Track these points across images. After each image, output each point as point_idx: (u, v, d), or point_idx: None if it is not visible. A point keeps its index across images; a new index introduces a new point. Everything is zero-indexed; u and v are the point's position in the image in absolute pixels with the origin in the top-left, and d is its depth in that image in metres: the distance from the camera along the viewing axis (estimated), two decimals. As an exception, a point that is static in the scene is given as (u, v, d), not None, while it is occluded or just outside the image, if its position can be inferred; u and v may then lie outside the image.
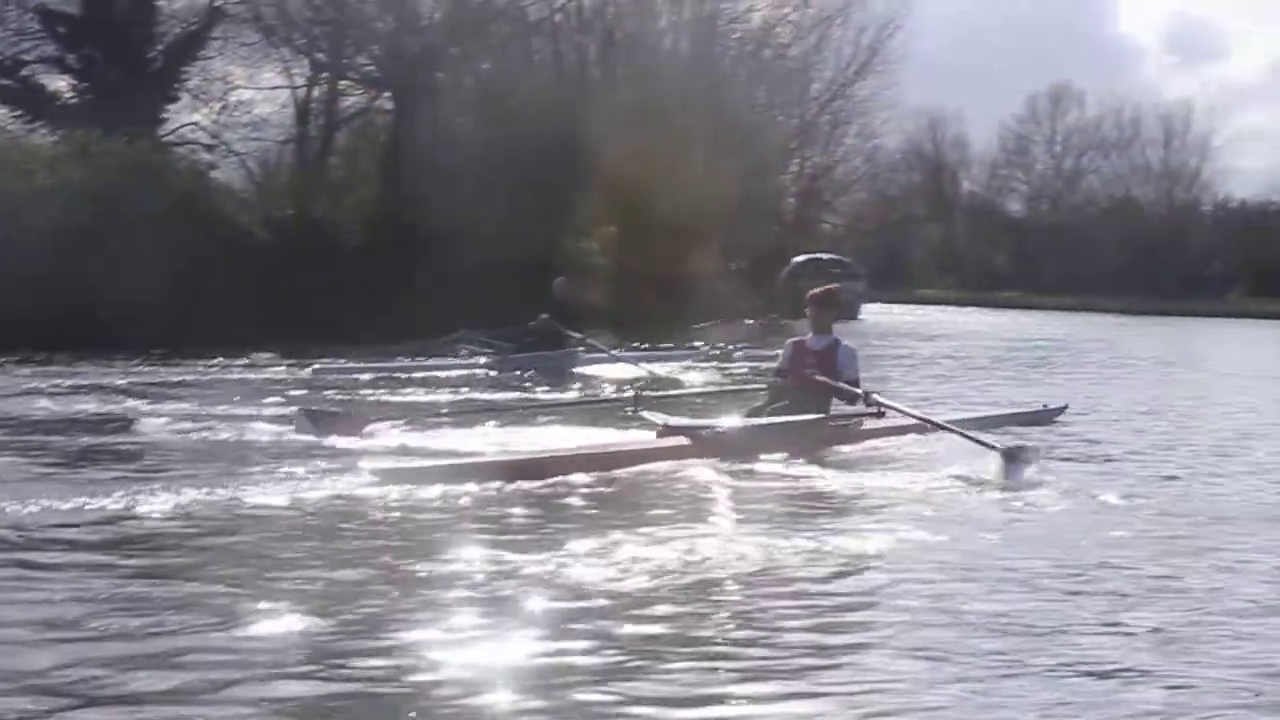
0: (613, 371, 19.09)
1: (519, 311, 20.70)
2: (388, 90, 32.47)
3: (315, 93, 33.77)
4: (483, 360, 19.58)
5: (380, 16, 31.80)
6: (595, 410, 13.41)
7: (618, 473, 9.59)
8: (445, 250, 28.80)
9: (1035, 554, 7.39)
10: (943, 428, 11.23)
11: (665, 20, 41.02)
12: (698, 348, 23.60)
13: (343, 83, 33.77)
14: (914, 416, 11.60)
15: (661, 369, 19.42)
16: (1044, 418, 13.74)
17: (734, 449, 10.43)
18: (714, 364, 21.66)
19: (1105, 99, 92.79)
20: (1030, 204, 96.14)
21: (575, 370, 19.48)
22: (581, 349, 20.14)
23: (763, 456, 10.39)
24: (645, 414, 11.33)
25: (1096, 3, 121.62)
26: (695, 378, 18.69)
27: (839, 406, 11.50)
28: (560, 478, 9.20)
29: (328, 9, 31.42)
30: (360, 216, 30.76)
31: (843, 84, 56.15)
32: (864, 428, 11.66)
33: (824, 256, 53.29)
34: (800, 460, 10.38)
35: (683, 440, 10.51)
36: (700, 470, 9.81)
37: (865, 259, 61.62)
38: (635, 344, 23.21)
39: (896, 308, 63.16)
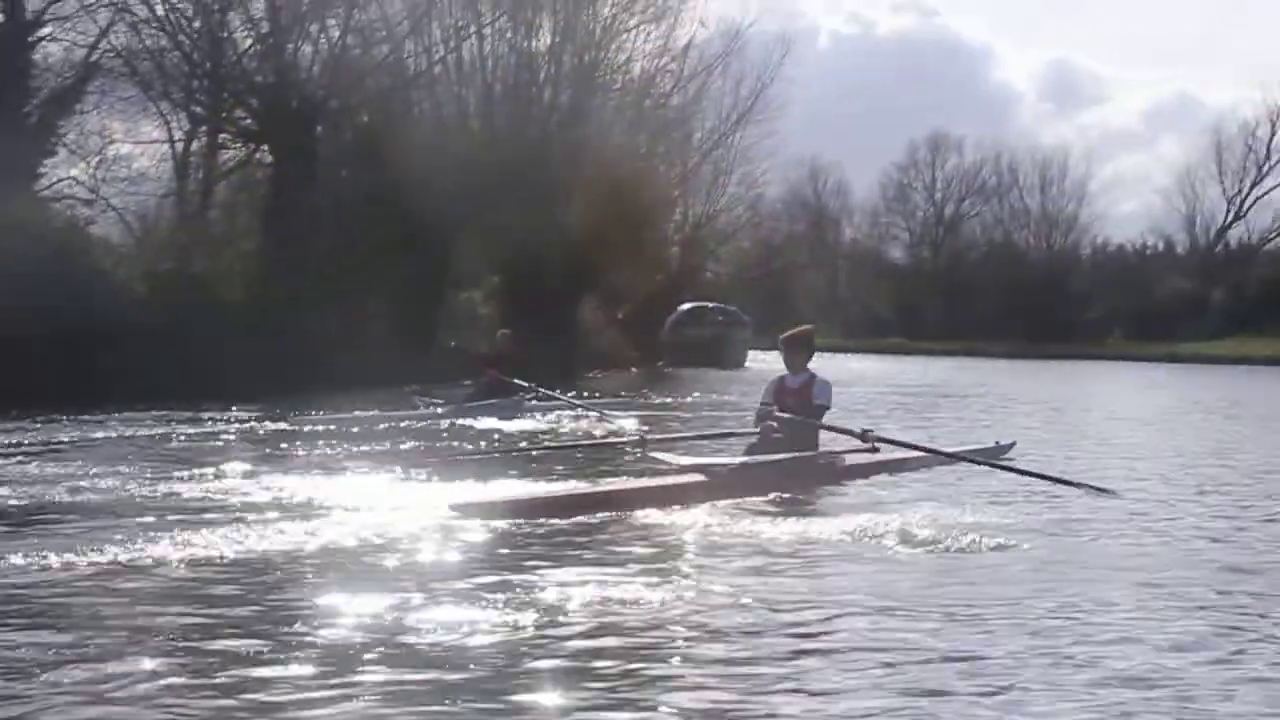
0: (567, 417, 20.10)
1: (403, 362, 20.80)
2: (267, 143, 32.36)
3: (194, 146, 33.63)
4: (440, 409, 20.03)
5: (259, 70, 31.80)
6: (600, 451, 14.45)
7: (650, 510, 10.23)
8: (327, 303, 28.81)
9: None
10: (955, 458, 12.63)
11: (544, 73, 41.22)
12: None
13: (222, 136, 33.67)
14: (920, 449, 12.76)
15: (616, 414, 20.40)
16: (996, 453, 14.10)
17: (744, 485, 11.08)
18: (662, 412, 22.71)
19: (983, 146, 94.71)
20: (911, 250, 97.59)
21: (526, 416, 20.24)
22: (533, 398, 21.34)
23: (771, 492, 11.05)
24: (656, 454, 12.03)
25: (974, 52, 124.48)
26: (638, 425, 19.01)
27: (834, 440, 12.19)
28: (616, 512, 10.05)
29: (205, 62, 31.36)
30: (241, 270, 30.61)
31: (723, 133, 56.88)
32: (856, 462, 12.34)
33: (709, 305, 53.70)
34: (800, 494, 11.22)
35: (699, 477, 11.10)
36: (714, 507, 10.47)
37: (749, 307, 62.05)
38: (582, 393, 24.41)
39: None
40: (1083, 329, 78.64)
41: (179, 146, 33.28)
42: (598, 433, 17.36)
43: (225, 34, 31.62)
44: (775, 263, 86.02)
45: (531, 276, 37.66)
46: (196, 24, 31.19)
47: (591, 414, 20.36)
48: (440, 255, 34.44)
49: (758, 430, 12.36)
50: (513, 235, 36.29)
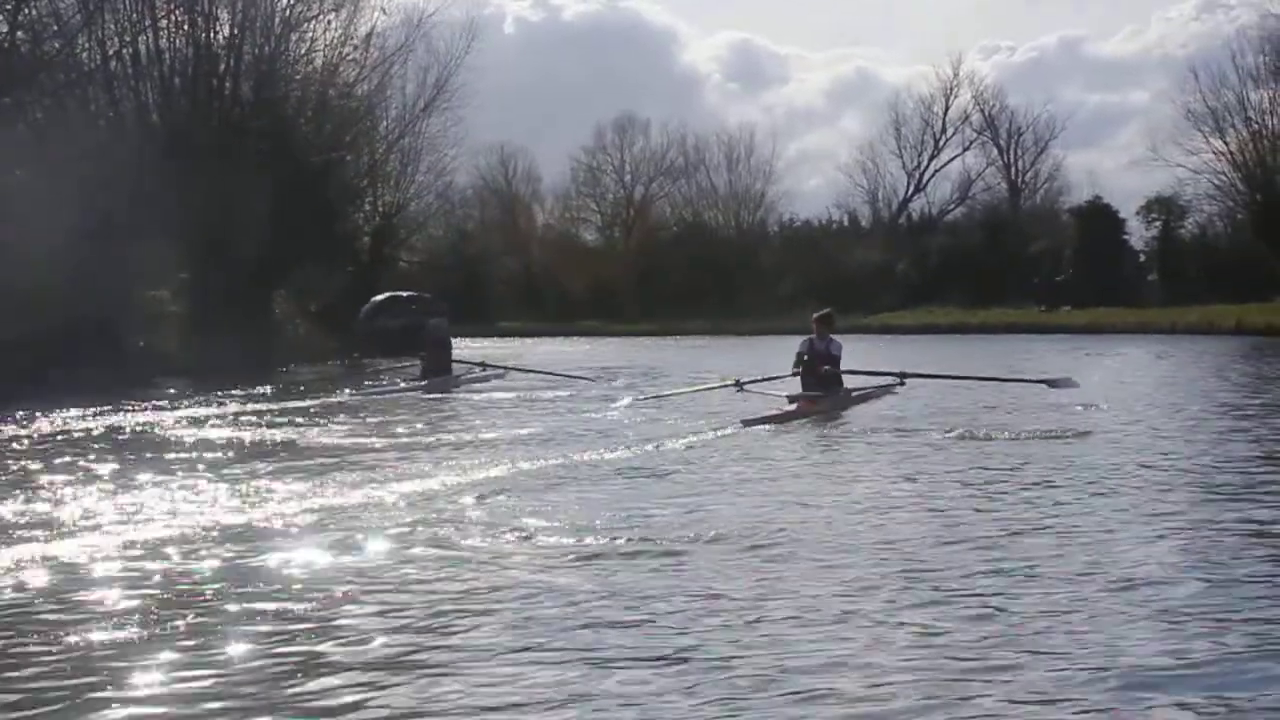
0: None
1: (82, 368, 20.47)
2: (-66, 143, 31.24)
3: None
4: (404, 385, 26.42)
5: (-78, 69, 30.68)
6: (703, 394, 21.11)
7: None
8: (7, 309, 28.00)
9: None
10: (983, 379, 21.33)
11: (225, 65, 40.70)
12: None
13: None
14: (950, 377, 20.91)
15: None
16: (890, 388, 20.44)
17: (829, 408, 18.52)
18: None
19: (670, 127, 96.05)
20: (603, 233, 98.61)
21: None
22: (480, 369, 28.93)
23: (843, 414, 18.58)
24: (751, 389, 19.75)
25: (658, 36, 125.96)
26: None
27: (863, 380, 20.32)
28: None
29: None
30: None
31: (410, 121, 56.94)
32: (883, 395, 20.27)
33: (404, 294, 53.52)
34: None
35: (804, 405, 18.27)
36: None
37: (445, 295, 62.11)
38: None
39: (481, 341, 64.01)
40: (774, 305, 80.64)
41: None
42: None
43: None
44: (468, 250, 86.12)
45: (220, 272, 37.20)
46: None
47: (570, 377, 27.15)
48: (122, 253, 33.71)
49: (797, 371, 19.19)
50: (198, 231, 35.80)
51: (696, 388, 21.79)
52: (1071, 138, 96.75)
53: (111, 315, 32.63)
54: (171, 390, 24.74)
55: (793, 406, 18.00)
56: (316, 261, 43.81)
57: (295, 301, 46.24)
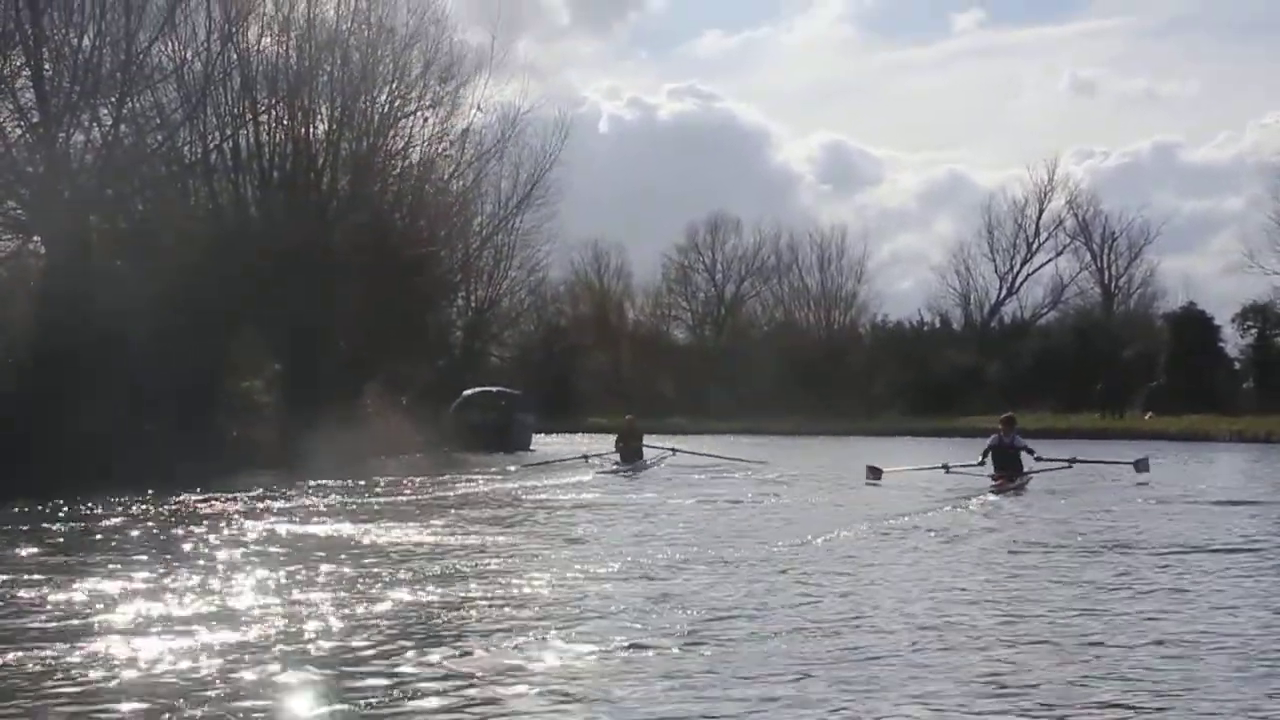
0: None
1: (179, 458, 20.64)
2: (38, 234, 31.67)
3: (-36, 238, 32.80)
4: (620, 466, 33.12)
5: (29, 160, 31.10)
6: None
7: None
8: (104, 394, 28.28)
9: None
10: (1086, 462, 27.64)
11: (323, 159, 41.22)
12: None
13: (-8, 226, 32.92)
14: (1105, 462, 28.64)
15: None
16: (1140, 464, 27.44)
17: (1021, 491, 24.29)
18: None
19: (763, 227, 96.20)
20: (694, 330, 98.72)
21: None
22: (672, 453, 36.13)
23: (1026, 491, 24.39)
24: (959, 470, 25.69)
25: (752, 136, 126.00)
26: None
27: (1029, 465, 25.65)
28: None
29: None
30: (14, 360, 29.89)
31: (504, 217, 57.39)
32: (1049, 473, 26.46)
33: (493, 389, 53.64)
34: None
35: (1003, 481, 24.49)
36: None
37: (534, 389, 62.28)
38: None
39: (571, 437, 64.06)
40: (865, 405, 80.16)
41: (-51, 238, 32.47)
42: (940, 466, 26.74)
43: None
44: (558, 345, 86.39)
45: (313, 363, 37.46)
46: (-37, 114, 30.55)
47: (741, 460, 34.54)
48: (219, 343, 34.07)
49: (982, 461, 25.15)
50: (293, 322, 36.10)
51: (918, 467, 28.04)
52: (1166, 243, 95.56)
53: (207, 405, 32.94)
54: (264, 483, 24.87)
55: (996, 483, 24.37)
56: (408, 355, 44.02)
57: (386, 394, 46.42)
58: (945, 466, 26.12)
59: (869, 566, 13.34)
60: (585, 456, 34.64)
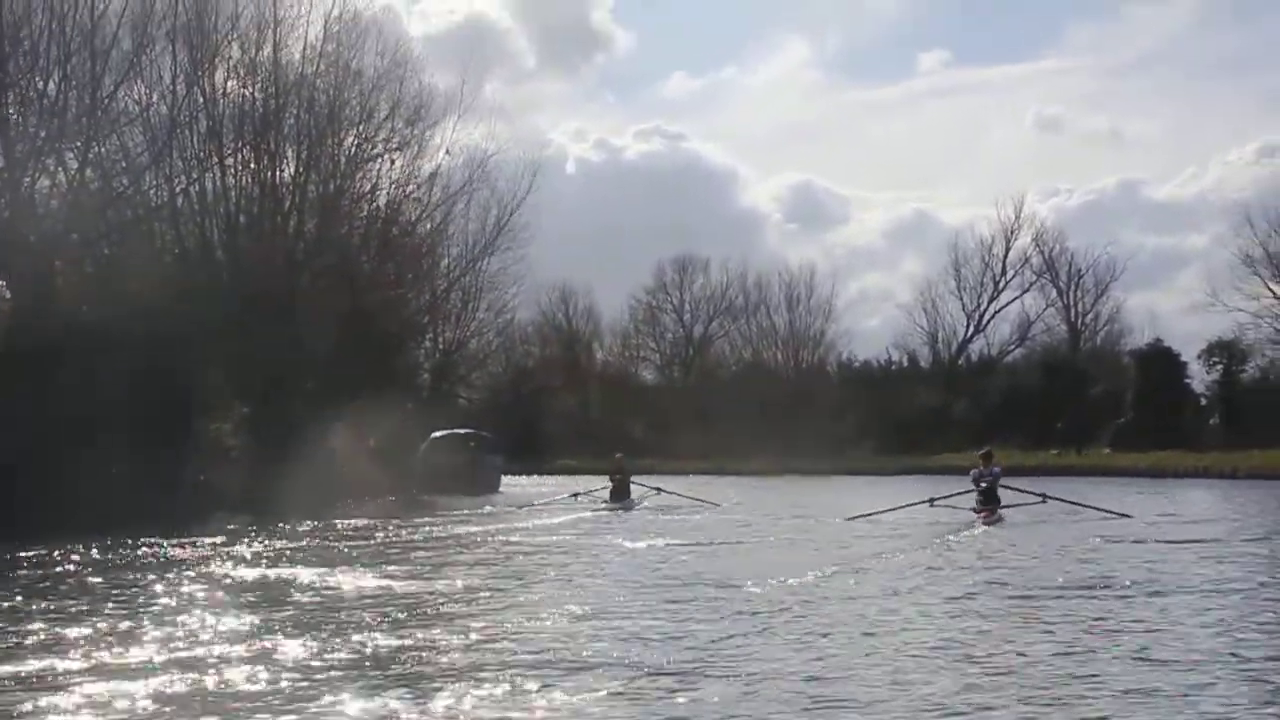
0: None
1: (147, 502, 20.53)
2: (3, 279, 31.51)
3: (-72, 282, 32.61)
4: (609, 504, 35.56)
5: (-7, 204, 31.00)
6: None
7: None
8: (70, 438, 28.10)
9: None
10: (1075, 504, 28.76)
11: (289, 202, 41.17)
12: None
13: (-44, 272, 32.73)
14: (1063, 500, 28.98)
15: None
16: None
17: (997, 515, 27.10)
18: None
19: (730, 266, 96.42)
20: (662, 371, 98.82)
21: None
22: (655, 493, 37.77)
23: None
24: (942, 504, 27.81)
25: (719, 176, 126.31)
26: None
27: (1006, 499, 28.19)
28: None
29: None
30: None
31: (472, 259, 57.13)
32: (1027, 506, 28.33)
33: (461, 431, 53.51)
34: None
35: (986, 513, 26.91)
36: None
37: (503, 431, 62.15)
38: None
39: (538, 478, 63.87)
40: (834, 444, 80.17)
41: (-89, 283, 32.27)
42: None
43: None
44: (527, 387, 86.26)
45: (280, 405, 37.31)
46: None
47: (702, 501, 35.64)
48: (186, 386, 33.90)
49: (975, 487, 28.04)
50: (261, 365, 35.97)
51: (899, 505, 28.13)
52: (1131, 280, 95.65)
53: (174, 448, 32.75)
54: (232, 526, 24.75)
55: (981, 514, 26.88)
56: (376, 397, 43.79)
57: (354, 436, 46.24)
58: (930, 500, 27.94)
59: (850, 602, 13.33)
60: (575, 494, 37.18)
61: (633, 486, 38.30)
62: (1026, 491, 28.59)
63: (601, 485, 38.05)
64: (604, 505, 35.33)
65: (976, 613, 12.84)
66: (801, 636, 11.28)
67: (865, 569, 17.20)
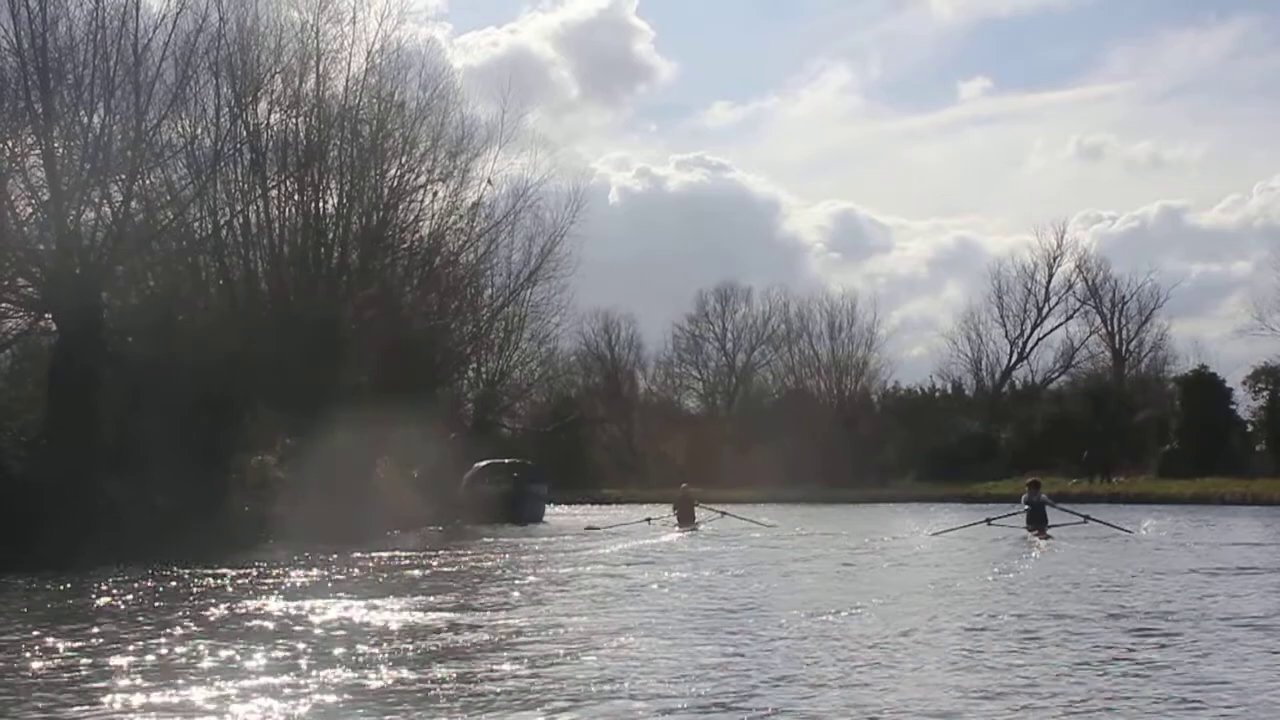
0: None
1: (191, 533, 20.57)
2: (50, 312, 31.64)
3: (-26, 316, 32.79)
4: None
5: (40, 237, 31.15)
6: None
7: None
8: (116, 470, 28.19)
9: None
10: (1101, 522, 30.93)
11: (333, 234, 41.33)
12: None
13: (3, 305, 32.85)
14: (1098, 521, 31.02)
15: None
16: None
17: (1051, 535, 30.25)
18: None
19: (772, 295, 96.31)
20: (705, 400, 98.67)
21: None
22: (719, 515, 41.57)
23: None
24: (998, 523, 30.97)
25: (761, 206, 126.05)
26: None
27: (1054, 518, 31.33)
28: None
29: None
30: (26, 441, 29.77)
31: (514, 290, 57.21)
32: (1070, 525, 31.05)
33: (504, 461, 53.52)
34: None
35: (1038, 533, 30.43)
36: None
37: (546, 460, 62.13)
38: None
39: (585, 507, 63.73)
40: (875, 472, 79.82)
41: (-42, 317, 32.46)
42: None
43: (4, 201, 30.98)
44: (570, 416, 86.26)
45: (325, 437, 37.33)
46: (-26, 193, 30.59)
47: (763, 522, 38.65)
48: (232, 419, 33.99)
49: (1027, 507, 31.34)
50: (305, 396, 36.02)
51: (965, 524, 32.29)
52: (1175, 306, 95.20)
53: (219, 480, 32.81)
54: (277, 556, 24.72)
55: (1034, 534, 29.98)
56: (419, 428, 43.85)
57: (398, 467, 46.29)
58: (988, 520, 31.15)
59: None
60: (648, 520, 40.34)
61: (697, 511, 41.68)
62: (1071, 512, 31.51)
63: (669, 513, 41.24)
64: (675, 530, 37.84)
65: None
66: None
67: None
